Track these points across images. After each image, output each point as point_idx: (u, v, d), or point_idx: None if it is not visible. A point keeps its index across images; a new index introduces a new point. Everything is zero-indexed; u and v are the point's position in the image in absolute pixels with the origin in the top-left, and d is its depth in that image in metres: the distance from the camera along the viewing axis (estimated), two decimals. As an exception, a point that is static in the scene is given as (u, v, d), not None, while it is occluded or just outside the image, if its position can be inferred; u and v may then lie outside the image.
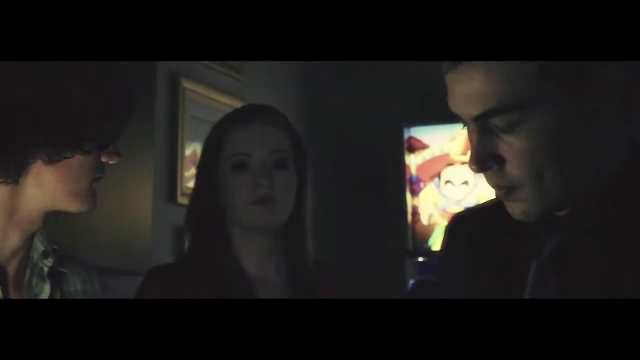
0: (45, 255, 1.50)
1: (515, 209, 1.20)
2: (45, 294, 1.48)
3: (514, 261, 1.24)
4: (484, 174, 1.20)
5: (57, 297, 1.52)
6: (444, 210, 4.15)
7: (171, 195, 3.58)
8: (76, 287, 1.57)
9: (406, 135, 4.20)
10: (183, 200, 3.60)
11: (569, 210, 1.19)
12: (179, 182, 3.60)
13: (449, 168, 4.12)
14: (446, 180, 4.15)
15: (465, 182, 4.08)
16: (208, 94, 3.78)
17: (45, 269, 1.49)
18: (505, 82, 1.14)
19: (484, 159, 1.18)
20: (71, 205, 1.47)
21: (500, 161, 1.18)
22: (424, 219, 4.16)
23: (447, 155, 4.13)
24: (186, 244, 2.01)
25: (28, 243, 1.50)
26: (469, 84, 1.15)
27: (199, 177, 2.00)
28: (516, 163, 1.16)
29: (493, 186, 1.21)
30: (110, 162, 1.51)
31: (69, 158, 1.42)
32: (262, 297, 1.89)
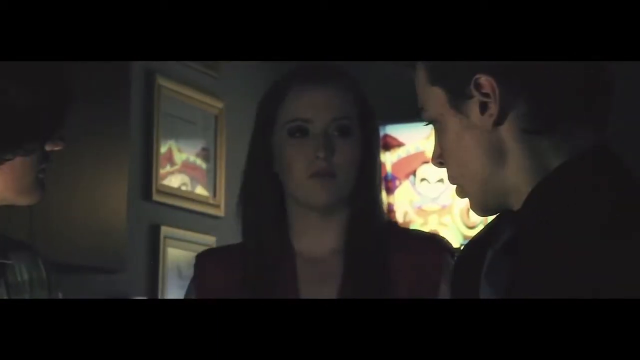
0: None
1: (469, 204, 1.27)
2: None
3: (472, 251, 1.31)
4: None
5: (3, 292, 1.49)
6: (420, 208, 4.16)
7: (146, 193, 3.57)
8: (22, 277, 1.54)
9: (381, 133, 4.21)
10: (158, 197, 3.59)
11: (521, 205, 1.21)
12: (154, 180, 3.59)
13: (425, 166, 4.13)
14: (422, 178, 4.16)
15: (441, 180, 4.09)
16: (183, 92, 3.77)
17: None
18: (422, 86, 1.24)
19: (434, 157, 1.27)
20: (19, 200, 1.48)
21: (443, 159, 1.25)
22: (400, 217, 4.17)
23: (422, 153, 4.14)
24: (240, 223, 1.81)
25: None
26: (416, 82, 1.26)
27: (252, 144, 1.80)
28: (447, 162, 1.24)
29: (451, 183, 1.27)
30: (55, 149, 1.49)
31: (10, 160, 1.42)
32: (301, 278, 1.74)
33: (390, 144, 4.19)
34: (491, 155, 1.21)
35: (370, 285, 1.71)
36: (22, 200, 1.48)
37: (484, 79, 1.18)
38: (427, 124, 1.26)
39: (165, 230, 3.62)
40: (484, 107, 1.19)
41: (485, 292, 1.24)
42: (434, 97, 1.22)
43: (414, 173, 4.17)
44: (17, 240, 1.61)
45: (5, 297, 1.49)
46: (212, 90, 3.90)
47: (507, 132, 1.19)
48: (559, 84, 1.18)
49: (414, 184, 4.17)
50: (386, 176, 4.21)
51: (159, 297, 3.54)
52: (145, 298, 3.44)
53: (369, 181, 1.78)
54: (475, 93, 1.18)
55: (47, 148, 1.46)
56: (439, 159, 1.26)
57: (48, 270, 1.59)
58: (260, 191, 1.77)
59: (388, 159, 4.21)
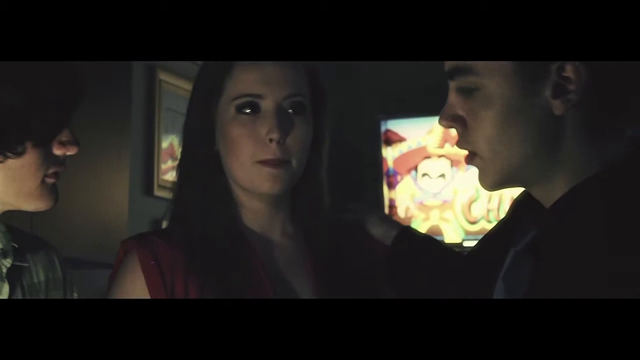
0: (4, 254, 1.46)
1: (477, 175, 1.24)
2: (4, 294, 1.43)
3: (493, 251, 1.27)
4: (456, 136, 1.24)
5: (19, 294, 1.47)
6: (421, 203, 4.16)
7: (148, 188, 3.57)
8: (39, 278, 1.52)
9: (383, 128, 4.21)
10: (160, 192, 3.59)
11: (552, 205, 1.19)
12: (155, 175, 3.59)
13: (426, 161, 4.13)
14: (423, 173, 4.16)
15: (442, 175, 4.08)
16: (185, 86, 3.76)
17: (4, 270, 1.45)
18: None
19: (447, 116, 1.22)
20: (24, 205, 1.42)
21: (462, 123, 1.21)
22: (401, 212, 4.17)
23: (424, 148, 4.14)
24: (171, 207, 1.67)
25: None
26: None
27: (191, 116, 1.65)
28: (474, 128, 1.20)
29: (460, 147, 1.24)
30: (68, 153, 1.42)
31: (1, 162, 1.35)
32: (267, 264, 1.58)
33: (391, 139, 4.19)
34: (543, 140, 1.17)
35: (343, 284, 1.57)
36: (28, 206, 1.42)
37: (572, 64, 1.15)
38: (460, 86, 1.20)
39: (167, 225, 3.62)
40: (559, 90, 1.16)
41: (500, 292, 1.22)
42: (497, 64, 1.17)
43: (415, 168, 4.16)
44: (35, 237, 1.58)
45: (21, 298, 1.47)
46: (214, 85, 3.89)
47: (570, 122, 1.17)
48: (624, 84, 1.17)
49: (415, 179, 4.17)
50: (388, 171, 4.21)
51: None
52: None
53: (317, 164, 1.63)
54: (554, 75, 1.16)
55: (57, 152, 1.41)
56: (457, 123, 1.21)
57: (64, 269, 1.58)
58: (202, 168, 1.61)
59: (389, 154, 4.20)
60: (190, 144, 1.64)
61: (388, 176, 4.20)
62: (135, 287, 1.55)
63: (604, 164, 1.17)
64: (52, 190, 1.42)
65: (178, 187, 1.65)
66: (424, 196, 4.16)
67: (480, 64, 1.18)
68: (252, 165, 1.55)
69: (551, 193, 1.20)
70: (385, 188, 4.19)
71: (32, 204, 1.42)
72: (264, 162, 1.55)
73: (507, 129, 1.17)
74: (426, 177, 4.15)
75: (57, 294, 1.54)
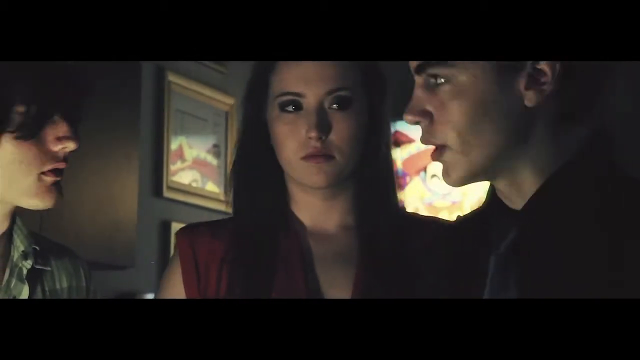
0: (24, 256, 1.45)
1: (443, 170, 1.23)
2: (24, 296, 1.43)
3: (472, 257, 1.25)
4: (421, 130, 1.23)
5: (39, 296, 1.47)
6: (430, 204, 4.16)
7: (157, 189, 3.57)
8: (61, 284, 1.51)
9: (392, 130, 4.20)
10: (169, 194, 3.59)
11: (525, 205, 1.19)
12: (164, 176, 3.59)
13: (435, 162, 4.12)
14: (432, 174, 4.16)
15: (451, 177, 4.08)
16: (194, 88, 3.77)
17: (25, 271, 1.44)
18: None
19: (414, 112, 1.21)
20: (23, 202, 1.40)
21: (429, 117, 1.20)
22: (410, 213, 4.17)
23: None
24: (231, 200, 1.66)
25: (6, 242, 1.46)
26: None
27: (245, 114, 1.66)
28: (443, 121, 1.19)
29: (425, 143, 1.23)
30: (67, 149, 1.40)
31: None
32: (310, 257, 1.59)
33: (400, 141, 4.19)
34: (515, 131, 1.18)
35: (388, 276, 1.56)
36: (26, 203, 1.40)
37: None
38: (432, 78, 1.20)
39: (175, 226, 3.62)
40: (532, 81, 1.16)
41: (492, 294, 1.22)
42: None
43: (424, 169, 4.17)
44: (62, 245, 1.58)
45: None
46: (223, 87, 3.89)
47: (542, 113, 1.17)
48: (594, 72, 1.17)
49: (424, 180, 4.17)
50: (397, 172, 4.21)
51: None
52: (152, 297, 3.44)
53: (375, 154, 1.64)
54: (528, 66, 1.16)
55: (53, 148, 1.39)
56: (424, 117, 1.21)
57: (88, 278, 1.57)
58: (256, 163, 1.62)
59: (398, 155, 4.20)
60: (245, 139, 1.65)
61: (397, 177, 4.20)
62: (175, 276, 1.61)
63: (567, 157, 1.18)
64: (51, 189, 1.40)
65: (234, 180, 1.65)
66: (433, 197, 4.16)
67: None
68: (297, 162, 1.57)
69: (518, 187, 1.20)
70: (394, 189, 4.19)
71: (30, 202, 1.40)
72: (306, 157, 1.55)
73: (479, 119, 1.17)
74: (435, 178, 4.14)
75: None
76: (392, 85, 1.70)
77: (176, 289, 1.60)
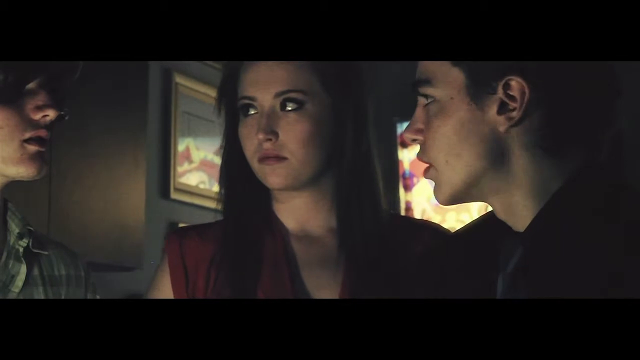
0: (20, 236, 1.47)
1: (433, 188, 1.25)
2: (22, 275, 1.45)
3: (480, 278, 1.25)
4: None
5: (38, 280, 1.49)
6: (437, 205, 4.15)
7: (164, 191, 3.58)
8: (59, 271, 1.53)
9: (399, 130, 4.20)
10: (176, 195, 3.60)
11: (527, 227, 1.20)
12: (171, 178, 3.60)
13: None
14: (439, 175, 4.15)
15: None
16: (201, 89, 3.78)
17: (21, 250, 1.46)
18: (439, 62, 1.21)
19: (410, 130, 1.26)
20: (7, 171, 1.40)
21: (422, 135, 1.24)
22: (418, 215, 4.16)
23: (440, 151, 4.13)
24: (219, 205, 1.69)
25: (1, 230, 1.47)
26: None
27: (225, 119, 1.67)
28: (430, 139, 1.22)
29: (419, 160, 1.26)
30: (48, 118, 1.39)
31: None
32: (294, 259, 1.60)
33: (407, 142, 4.19)
34: (492, 155, 1.19)
35: (373, 281, 1.56)
36: (10, 171, 1.40)
37: (516, 82, 1.16)
38: (424, 97, 1.23)
39: (183, 228, 3.63)
40: (503, 108, 1.17)
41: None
42: (451, 77, 1.20)
43: (431, 170, 4.16)
44: (59, 242, 1.59)
45: (41, 288, 1.49)
46: (230, 88, 3.90)
47: (516, 139, 1.18)
48: (574, 103, 1.17)
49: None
50: (404, 173, 4.20)
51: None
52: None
53: (352, 153, 1.61)
54: (500, 91, 1.17)
55: (34, 116, 1.38)
56: (418, 135, 1.24)
57: (87, 272, 1.58)
58: (241, 166, 1.63)
59: (405, 156, 4.20)
60: (227, 143, 1.68)
61: (404, 178, 4.20)
62: (163, 280, 1.64)
63: (562, 178, 1.18)
64: (35, 157, 1.40)
65: (220, 184, 1.69)
66: (441, 198, 4.15)
67: (437, 76, 1.20)
68: (255, 164, 1.59)
69: (512, 208, 1.21)
70: (401, 190, 4.19)
71: (14, 169, 1.40)
72: (261, 159, 1.57)
73: (460, 141, 1.19)
74: (442, 179, 4.14)
75: (78, 292, 1.55)
76: (389, 86, 1.70)
77: (164, 291, 1.63)
